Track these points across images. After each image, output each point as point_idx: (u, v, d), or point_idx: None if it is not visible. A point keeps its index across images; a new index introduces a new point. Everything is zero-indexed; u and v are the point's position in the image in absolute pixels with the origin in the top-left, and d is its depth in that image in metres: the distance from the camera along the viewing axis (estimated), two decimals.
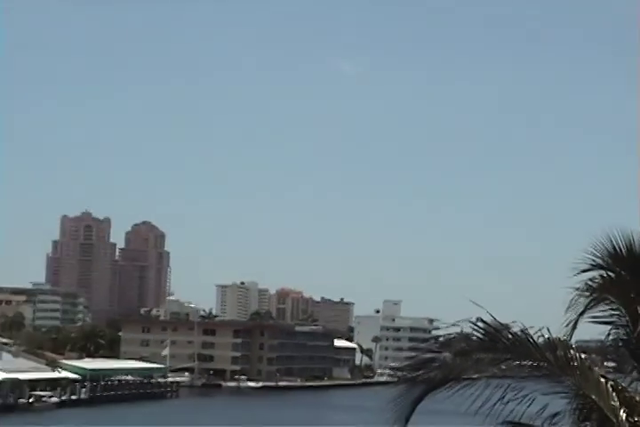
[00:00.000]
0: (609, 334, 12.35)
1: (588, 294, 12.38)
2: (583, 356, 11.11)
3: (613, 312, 12.28)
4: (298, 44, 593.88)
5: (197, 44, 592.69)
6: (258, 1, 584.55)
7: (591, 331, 12.64)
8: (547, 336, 11.13)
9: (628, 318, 12.13)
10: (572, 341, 11.89)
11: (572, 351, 11.04)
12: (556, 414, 11.18)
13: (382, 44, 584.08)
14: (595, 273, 12.38)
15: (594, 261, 12.31)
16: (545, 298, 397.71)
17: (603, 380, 10.94)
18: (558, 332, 11.55)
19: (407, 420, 10.86)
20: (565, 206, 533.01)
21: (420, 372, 10.94)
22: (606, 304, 12.31)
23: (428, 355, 11.18)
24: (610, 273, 12.29)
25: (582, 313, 12.36)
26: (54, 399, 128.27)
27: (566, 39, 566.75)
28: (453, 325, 11.38)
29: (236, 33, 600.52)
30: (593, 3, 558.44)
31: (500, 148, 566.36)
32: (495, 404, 10.79)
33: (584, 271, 12.39)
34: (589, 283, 12.40)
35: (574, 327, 12.30)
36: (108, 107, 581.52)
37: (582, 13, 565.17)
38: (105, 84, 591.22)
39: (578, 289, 12.41)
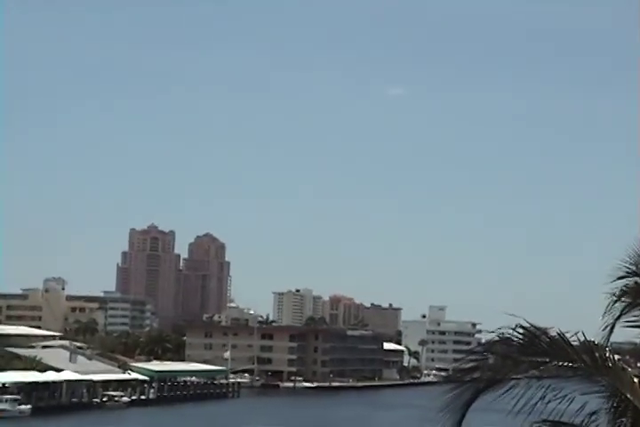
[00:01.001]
0: None
1: (621, 299, 12.35)
2: (617, 357, 11.07)
3: None
4: (296, 47, 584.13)
5: (200, 47, 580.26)
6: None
7: (625, 334, 12.59)
8: (582, 339, 11.11)
9: None
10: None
11: (606, 353, 11.00)
12: (594, 413, 11.13)
13: (381, 44, 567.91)
14: (629, 280, 12.34)
15: (628, 268, 12.28)
16: (547, 297, 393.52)
17: (636, 380, 10.89)
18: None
19: (461, 421, 10.85)
20: (565, 207, 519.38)
21: (470, 375, 10.94)
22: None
23: (476, 358, 11.18)
24: None
25: (618, 318, 12.31)
26: (125, 399, 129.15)
27: (566, 40, 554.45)
28: (497, 330, 11.36)
29: (233, 33, 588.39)
30: (595, 6, 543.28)
31: (499, 148, 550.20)
32: (537, 403, 10.78)
33: (620, 278, 12.36)
34: (625, 289, 12.37)
35: (611, 331, 12.26)
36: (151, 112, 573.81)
37: (583, 16, 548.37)
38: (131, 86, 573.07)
39: (614, 295, 12.39)
